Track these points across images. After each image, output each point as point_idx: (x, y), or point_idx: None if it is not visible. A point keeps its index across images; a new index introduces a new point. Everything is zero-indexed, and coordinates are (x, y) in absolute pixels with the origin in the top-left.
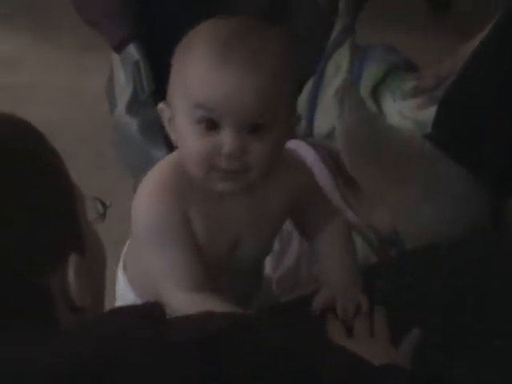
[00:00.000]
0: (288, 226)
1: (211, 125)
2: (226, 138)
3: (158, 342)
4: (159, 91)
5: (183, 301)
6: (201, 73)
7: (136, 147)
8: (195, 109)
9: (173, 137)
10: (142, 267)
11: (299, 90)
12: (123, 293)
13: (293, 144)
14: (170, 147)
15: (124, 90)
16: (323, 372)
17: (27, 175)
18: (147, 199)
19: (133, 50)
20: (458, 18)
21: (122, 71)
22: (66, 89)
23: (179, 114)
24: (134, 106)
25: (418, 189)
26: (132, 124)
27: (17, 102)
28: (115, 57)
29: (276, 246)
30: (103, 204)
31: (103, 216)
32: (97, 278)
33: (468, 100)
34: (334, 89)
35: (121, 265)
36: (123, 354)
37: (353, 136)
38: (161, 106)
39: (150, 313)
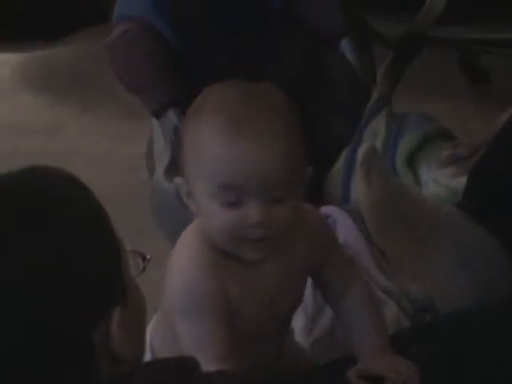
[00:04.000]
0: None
1: (234, 200)
2: (252, 210)
3: None
4: None
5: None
6: (219, 154)
7: (175, 212)
8: (217, 188)
9: (193, 209)
10: (169, 343)
11: (337, 156)
12: None
13: (330, 210)
14: None
15: (162, 155)
16: None
17: (81, 229)
18: (180, 273)
19: (172, 116)
20: (498, 90)
21: (161, 136)
22: (104, 156)
23: (199, 192)
24: (172, 171)
25: (447, 259)
26: (170, 189)
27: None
28: (155, 122)
29: (309, 309)
30: (144, 258)
31: (144, 269)
32: (137, 331)
33: (498, 170)
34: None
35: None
36: None
37: (380, 206)
38: (177, 180)
39: (186, 365)
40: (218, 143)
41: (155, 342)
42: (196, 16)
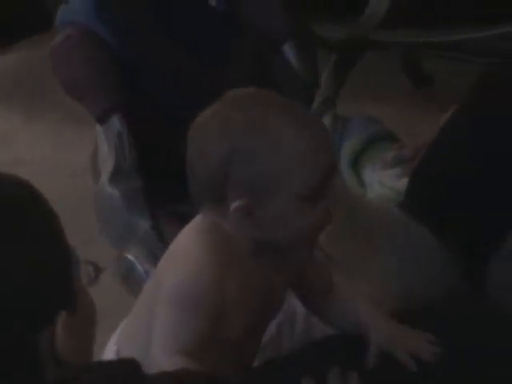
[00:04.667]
0: None
1: (317, 200)
2: (326, 208)
3: None
4: (141, 161)
5: (169, 362)
6: (309, 155)
7: (119, 218)
8: (305, 187)
9: (246, 228)
10: (139, 343)
11: None
12: None
13: None
14: (153, 215)
15: (107, 161)
16: None
17: (31, 236)
18: (188, 271)
19: (115, 121)
20: (441, 92)
21: (105, 142)
22: (51, 163)
23: (278, 199)
24: (116, 176)
25: (390, 259)
26: (115, 194)
27: None
28: (99, 129)
29: None
30: (97, 268)
31: (96, 279)
32: (85, 337)
33: (437, 171)
34: None
35: (113, 339)
36: None
37: None
38: (236, 204)
39: (127, 367)
40: (306, 144)
41: (123, 349)
42: (138, 21)
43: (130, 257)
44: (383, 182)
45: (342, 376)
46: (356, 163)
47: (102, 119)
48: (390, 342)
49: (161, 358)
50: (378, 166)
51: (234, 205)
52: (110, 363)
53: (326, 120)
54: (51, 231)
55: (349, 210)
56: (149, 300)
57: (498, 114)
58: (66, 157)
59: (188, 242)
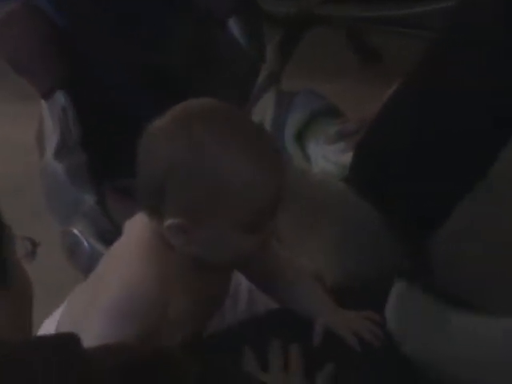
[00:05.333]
0: None
1: (258, 224)
2: (270, 230)
3: (72, 370)
4: (86, 136)
5: None
6: (253, 188)
7: (64, 194)
8: (246, 216)
9: (182, 244)
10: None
11: None
12: None
13: None
14: (98, 191)
15: (51, 137)
16: None
17: None
18: (127, 280)
19: (60, 97)
20: (390, 67)
21: (50, 118)
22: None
23: (215, 225)
24: (61, 152)
25: (334, 234)
26: (59, 170)
27: None
28: (44, 104)
29: None
30: (34, 244)
31: (33, 254)
32: (21, 313)
33: (379, 145)
34: None
35: (55, 314)
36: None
37: None
38: (171, 222)
39: (67, 341)
40: (250, 176)
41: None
42: None
43: (76, 231)
44: (327, 156)
45: (282, 348)
46: (300, 138)
47: (46, 94)
48: (334, 322)
49: None
50: (322, 141)
51: (169, 222)
52: (47, 338)
53: (271, 95)
54: None
55: (292, 183)
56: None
57: (440, 88)
58: (15, 133)
59: (131, 250)
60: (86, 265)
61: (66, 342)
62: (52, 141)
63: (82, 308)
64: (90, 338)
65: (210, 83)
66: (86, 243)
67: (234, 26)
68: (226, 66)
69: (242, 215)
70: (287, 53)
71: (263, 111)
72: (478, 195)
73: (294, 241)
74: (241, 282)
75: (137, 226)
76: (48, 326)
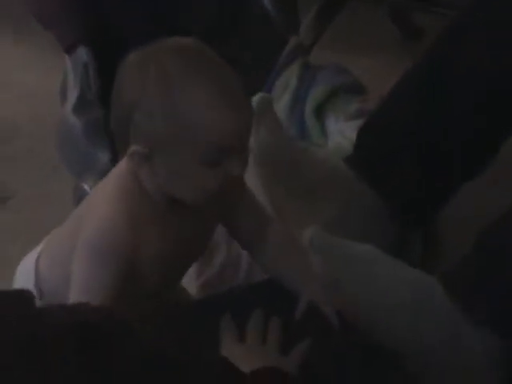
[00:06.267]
0: (216, 235)
1: (218, 160)
2: (234, 165)
3: (23, 327)
4: (105, 93)
5: None
6: (212, 122)
7: (79, 148)
8: (204, 150)
9: (145, 174)
10: (61, 270)
11: None
12: (23, 284)
13: None
14: (113, 149)
15: (72, 91)
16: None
17: None
18: (100, 223)
19: (82, 52)
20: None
21: (72, 72)
22: (31, 89)
23: (176, 156)
24: (80, 107)
25: (331, 212)
26: (77, 124)
27: None
28: (67, 59)
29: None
30: (4, 191)
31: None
32: None
33: (383, 125)
34: (282, 105)
35: (31, 258)
36: None
37: (267, 159)
38: (134, 148)
39: (23, 298)
40: (210, 110)
41: (43, 268)
42: None
43: (86, 187)
44: (344, 132)
45: (263, 320)
46: (320, 112)
47: (69, 49)
48: (318, 299)
49: None
50: (342, 117)
51: (132, 149)
52: (2, 293)
53: (295, 67)
54: None
55: (291, 163)
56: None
57: (453, 68)
58: (48, 84)
59: (106, 190)
60: None
61: (20, 298)
62: (72, 95)
63: (58, 243)
64: (76, 278)
65: (234, 50)
66: None
67: None
68: (253, 34)
69: (201, 148)
70: (322, 26)
71: (286, 83)
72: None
73: (290, 216)
74: (242, 253)
75: (115, 169)
76: (26, 265)
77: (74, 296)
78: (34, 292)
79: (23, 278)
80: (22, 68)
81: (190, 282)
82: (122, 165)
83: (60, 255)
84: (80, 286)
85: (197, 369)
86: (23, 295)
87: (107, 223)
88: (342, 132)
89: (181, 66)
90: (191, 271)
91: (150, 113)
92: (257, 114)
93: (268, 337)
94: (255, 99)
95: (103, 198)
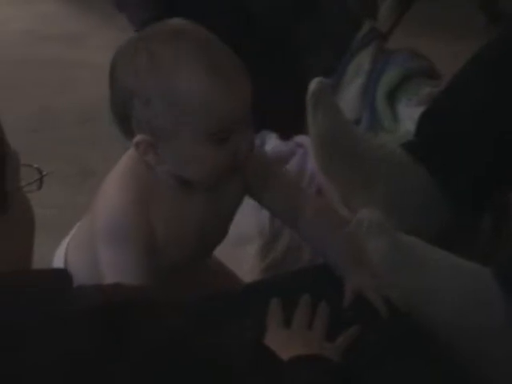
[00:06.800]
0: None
1: (223, 138)
2: (241, 141)
3: (56, 307)
4: None
5: None
6: (210, 100)
7: None
8: (206, 129)
9: (152, 161)
10: (85, 255)
11: None
12: None
13: (303, 140)
14: None
15: None
16: (219, 360)
17: None
18: (111, 206)
19: None
20: None
21: None
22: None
23: (179, 139)
24: None
25: (384, 196)
26: None
27: (70, 76)
28: None
29: (266, 234)
30: (40, 172)
31: (39, 183)
32: (19, 242)
33: (444, 112)
34: (354, 89)
35: (63, 245)
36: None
37: (324, 141)
38: (138, 138)
39: (55, 279)
40: (206, 89)
41: (72, 257)
42: None
43: None
44: (415, 117)
45: (310, 305)
46: (391, 96)
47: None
48: (365, 286)
49: None
50: (413, 102)
51: (136, 138)
52: (37, 272)
53: (369, 51)
54: None
55: (347, 144)
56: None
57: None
58: None
59: (116, 179)
60: None
61: (57, 276)
62: None
63: (83, 233)
64: (103, 265)
65: (307, 32)
66: None
67: None
68: (327, 17)
69: (203, 128)
70: (400, 14)
71: (358, 67)
72: None
73: (342, 196)
74: None
75: (124, 157)
76: (59, 251)
77: (106, 280)
78: None
79: (56, 262)
80: (105, 49)
81: (254, 265)
82: (131, 152)
83: (82, 241)
84: (109, 272)
85: (225, 354)
86: (61, 274)
87: (119, 210)
88: (411, 117)
89: (171, 50)
90: (254, 255)
91: (147, 101)
92: (313, 99)
93: (314, 322)
94: (312, 84)
95: (114, 186)
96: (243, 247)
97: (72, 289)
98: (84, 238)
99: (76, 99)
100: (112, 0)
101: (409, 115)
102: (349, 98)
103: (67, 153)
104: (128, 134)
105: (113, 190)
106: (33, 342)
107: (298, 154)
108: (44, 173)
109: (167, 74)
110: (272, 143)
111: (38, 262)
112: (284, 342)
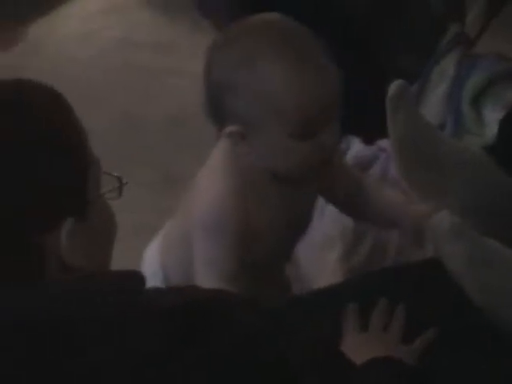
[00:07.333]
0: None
1: (310, 132)
2: (329, 136)
3: (130, 307)
4: None
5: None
6: (298, 93)
7: None
8: (295, 123)
9: (244, 151)
10: (179, 251)
11: None
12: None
13: (385, 144)
14: None
15: None
16: (291, 360)
17: (49, 141)
18: (208, 199)
19: None
20: None
21: None
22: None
23: (269, 132)
24: None
25: (464, 199)
26: None
27: (158, 84)
28: None
29: (349, 237)
30: (120, 181)
31: (118, 191)
32: (99, 246)
33: None
34: (439, 93)
35: (154, 244)
36: (86, 313)
37: (404, 144)
38: (230, 129)
39: (129, 279)
40: (294, 77)
41: (168, 261)
42: None
43: None
44: None
45: (388, 308)
46: (477, 101)
47: None
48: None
49: (208, 284)
50: (500, 107)
51: (227, 129)
52: (113, 273)
53: (454, 55)
54: (69, 141)
55: (427, 148)
56: (186, 215)
57: None
58: (191, 64)
59: (210, 173)
60: None
61: (128, 279)
62: None
63: (175, 232)
64: (197, 256)
65: (395, 38)
66: None
67: None
68: (411, 20)
69: (292, 123)
70: (488, 19)
71: (443, 72)
72: None
73: (418, 196)
74: (389, 239)
75: (216, 151)
76: (151, 249)
77: (198, 275)
78: (160, 275)
79: (147, 262)
80: (196, 57)
81: (335, 268)
82: (222, 145)
83: (175, 239)
84: (206, 260)
85: (298, 356)
86: (133, 276)
87: (216, 202)
88: (498, 121)
89: (264, 44)
90: (336, 259)
91: (238, 91)
92: (393, 103)
93: (391, 324)
94: (391, 87)
95: (209, 179)
96: (327, 251)
97: (147, 289)
98: (176, 235)
99: (162, 106)
100: (197, 7)
101: (495, 119)
102: (433, 103)
103: (151, 160)
104: (221, 126)
105: (207, 183)
106: (107, 340)
107: (381, 159)
108: (124, 181)
109: (257, 65)
110: (355, 148)
111: (127, 265)
112: (360, 344)
